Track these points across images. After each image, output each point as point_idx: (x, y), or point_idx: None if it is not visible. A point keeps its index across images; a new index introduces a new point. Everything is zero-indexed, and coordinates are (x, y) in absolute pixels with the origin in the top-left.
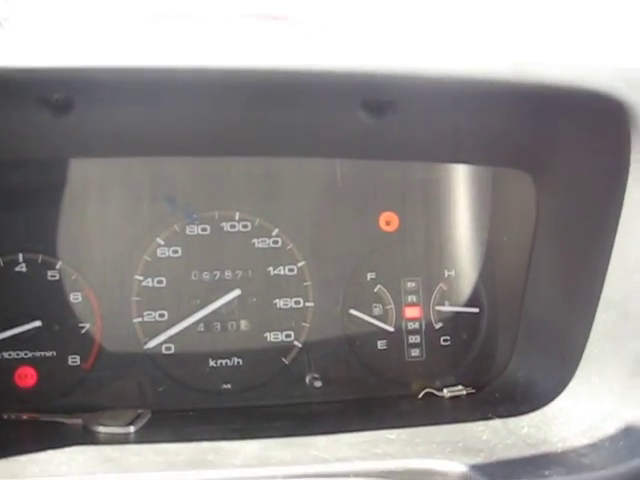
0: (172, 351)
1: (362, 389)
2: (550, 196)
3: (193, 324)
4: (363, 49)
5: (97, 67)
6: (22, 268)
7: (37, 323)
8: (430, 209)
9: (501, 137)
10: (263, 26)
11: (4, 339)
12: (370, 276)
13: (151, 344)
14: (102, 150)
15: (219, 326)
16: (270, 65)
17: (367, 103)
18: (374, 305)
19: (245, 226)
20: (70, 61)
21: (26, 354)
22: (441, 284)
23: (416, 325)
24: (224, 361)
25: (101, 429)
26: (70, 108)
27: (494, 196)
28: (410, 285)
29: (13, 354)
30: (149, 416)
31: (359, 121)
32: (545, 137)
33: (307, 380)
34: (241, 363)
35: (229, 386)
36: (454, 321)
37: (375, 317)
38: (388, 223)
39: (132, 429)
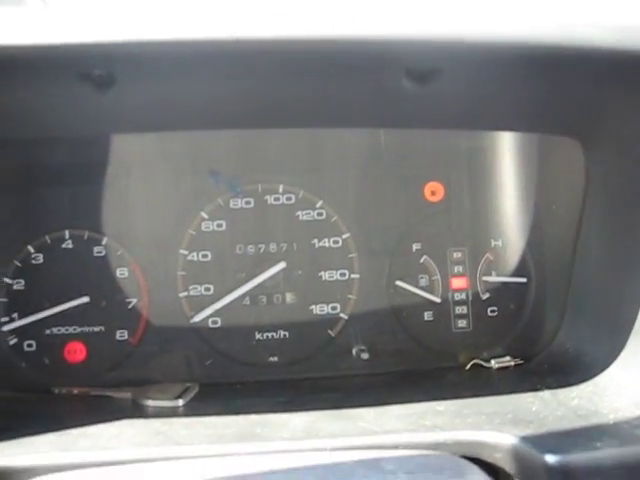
0: (218, 325)
1: (409, 361)
2: (600, 163)
3: (239, 297)
4: (405, 16)
5: (138, 41)
6: (69, 245)
7: (85, 299)
8: (476, 178)
9: (549, 103)
10: None
11: (53, 315)
12: (416, 247)
13: (197, 318)
14: (145, 125)
15: (265, 299)
16: (313, 35)
17: (411, 71)
18: (420, 276)
19: (289, 198)
20: (111, 36)
21: (75, 329)
22: (488, 254)
23: (463, 296)
24: (270, 334)
25: (150, 403)
26: (112, 84)
27: (541, 164)
28: (456, 255)
29: (62, 330)
30: (197, 389)
31: (403, 90)
32: (595, 102)
33: (354, 352)
34: (287, 336)
35: (276, 359)
36: (501, 291)
37: (421, 288)
38: (433, 193)
39: (180, 402)
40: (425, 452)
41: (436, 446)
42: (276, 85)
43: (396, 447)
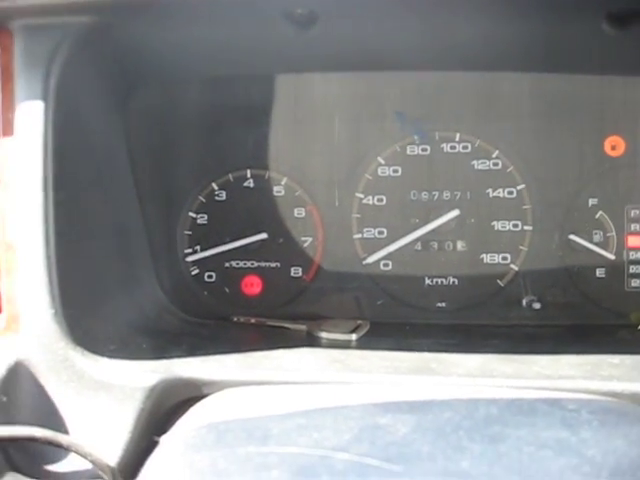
0: (390, 268)
1: (579, 316)
2: None
3: (411, 242)
4: None
5: None
6: (250, 184)
7: (263, 235)
8: None
9: None
10: None
11: (233, 249)
12: (592, 202)
13: (370, 260)
14: (338, 65)
15: (436, 245)
16: None
17: (612, 14)
18: (594, 232)
19: (465, 147)
20: None
21: (252, 264)
22: None
23: (638, 255)
24: (440, 280)
25: (324, 335)
26: (313, 23)
27: None
28: (634, 213)
29: (240, 263)
30: (368, 327)
31: (601, 34)
32: None
33: (524, 303)
34: (456, 283)
35: (444, 304)
36: None
37: (595, 244)
38: (614, 147)
39: (354, 337)
40: (604, 399)
41: (614, 395)
42: (464, 27)
43: (573, 392)
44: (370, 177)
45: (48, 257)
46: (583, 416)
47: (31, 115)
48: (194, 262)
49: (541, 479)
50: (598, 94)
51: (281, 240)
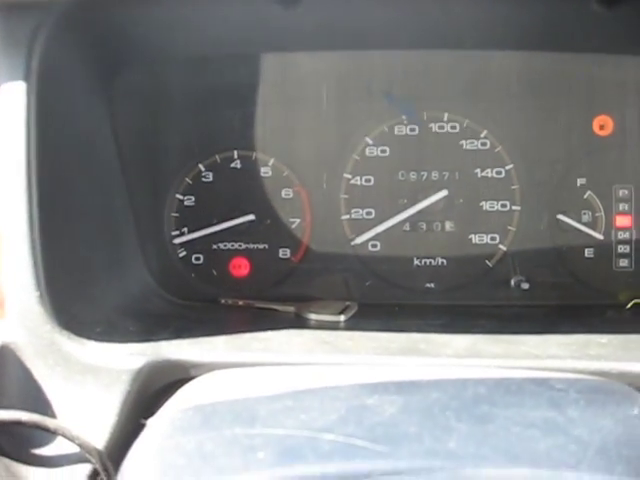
0: (378, 248)
1: (567, 296)
2: None
3: (399, 223)
4: None
5: None
6: (237, 164)
7: (251, 217)
8: None
9: None
10: None
11: (220, 231)
12: (580, 182)
13: (358, 241)
14: (325, 44)
15: (424, 226)
16: None
17: None
18: (583, 212)
19: (454, 127)
20: None
21: (240, 246)
22: None
23: (626, 235)
24: (428, 261)
25: (313, 316)
26: (298, 1)
27: None
28: (622, 193)
29: (228, 245)
30: (356, 308)
31: (590, 13)
32: None
33: (512, 283)
34: (445, 263)
35: (432, 285)
36: None
37: (583, 224)
38: (602, 127)
39: (342, 318)
40: (592, 378)
41: (601, 374)
42: (456, 6)
43: (561, 371)
44: (358, 157)
45: (33, 240)
46: (571, 395)
47: (13, 97)
48: (181, 244)
49: (528, 459)
50: (587, 74)
51: (269, 221)
